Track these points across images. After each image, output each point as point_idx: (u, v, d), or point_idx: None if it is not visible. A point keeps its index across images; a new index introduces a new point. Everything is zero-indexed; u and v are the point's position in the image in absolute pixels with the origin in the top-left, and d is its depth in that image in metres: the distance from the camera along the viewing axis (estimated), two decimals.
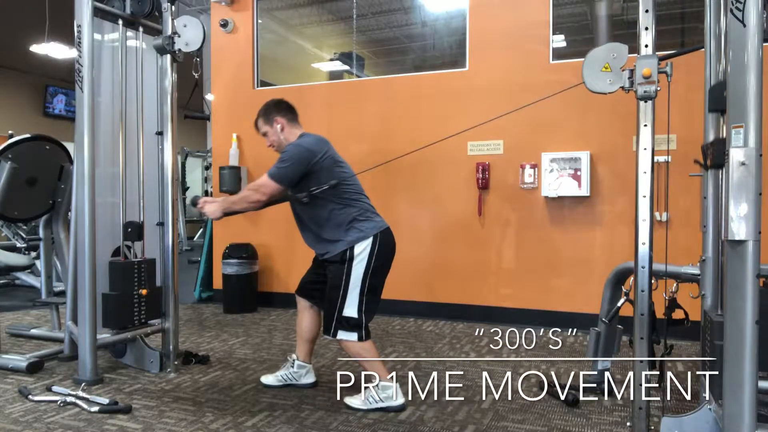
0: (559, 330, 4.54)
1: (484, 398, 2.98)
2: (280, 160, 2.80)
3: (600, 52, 2.22)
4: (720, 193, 2.21)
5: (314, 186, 2.77)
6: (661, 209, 4.09)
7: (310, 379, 3.14)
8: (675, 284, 2.63)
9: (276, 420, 2.69)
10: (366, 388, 2.87)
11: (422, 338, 4.30)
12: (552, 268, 4.66)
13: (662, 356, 2.41)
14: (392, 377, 2.82)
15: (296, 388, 3.12)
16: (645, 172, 2.13)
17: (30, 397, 2.95)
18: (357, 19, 6.63)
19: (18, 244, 6.42)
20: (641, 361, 2.16)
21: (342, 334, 2.77)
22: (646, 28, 2.13)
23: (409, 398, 2.90)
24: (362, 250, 2.75)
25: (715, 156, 1.97)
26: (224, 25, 5.73)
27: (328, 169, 2.79)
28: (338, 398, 2.94)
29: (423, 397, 2.99)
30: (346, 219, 2.78)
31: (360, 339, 2.76)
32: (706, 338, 2.24)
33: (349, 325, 2.75)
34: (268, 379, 3.17)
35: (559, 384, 3.12)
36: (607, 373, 3.07)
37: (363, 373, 2.95)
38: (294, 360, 3.14)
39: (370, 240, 2.76)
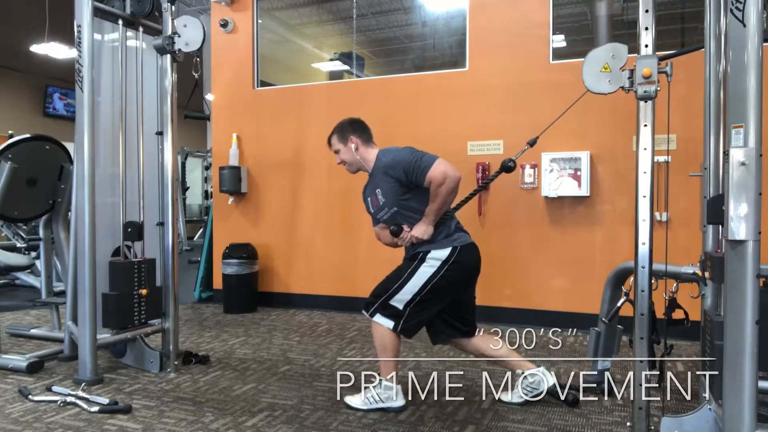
0: (559, 330, 4.53)
1: (484, 398, 2.98)
2: (413, 161, 2.69)
3: (600, 53, 2.22)
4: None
5: (420, 189, 2.74)
6: (661, 209, 4.09)
7: (549, 381, 2.85)
8: (675, 284, 2.63)
9: (276, 420, 2.69)
10: (366, 387, 2.87)
11: (422, 338, 4.27)
12: (552, 268, 4.65)
13: (662, 356, 2.41)
14: (393, 377, 2.81)
15: (296, 389, 3.12)
16: (645, 172, 2.13)
17: (30, 397, 2.95)
18: (357, 19, 6.63)
19: (18, 244, 6.42)
20: (641, 361, 2.16)
21: (379, 318, 2.73)
22: (646, 28, 2.13)
23: (409, 398, 2.90)
24: (437, 257, 2.72)
25: (714, 273, 2.02)
26: (224, 25, 5.73)
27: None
28: (338, 398, 2.94)
29: (423, 397, 2.99)
30: (438, 227, 2.76)
31: (395, 329, 2.72)
32: (706, 338, 2.24)
33: (391, 312, 2.72)
34: (509, 396, 2.92)
35: (559, 384, 3.12)
36: (607, 373, 3.07)
37: (364, 373, 2.95)
38: (522, 372, 2.88)
39: (449, 250, 2.73)
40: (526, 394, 2.85)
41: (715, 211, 1.94)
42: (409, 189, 2.75)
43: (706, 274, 2.24)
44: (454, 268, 2.73)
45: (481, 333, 2.96)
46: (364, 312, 2.81)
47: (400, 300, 2.72)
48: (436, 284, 2.72)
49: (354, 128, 2.95)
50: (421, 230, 2.73)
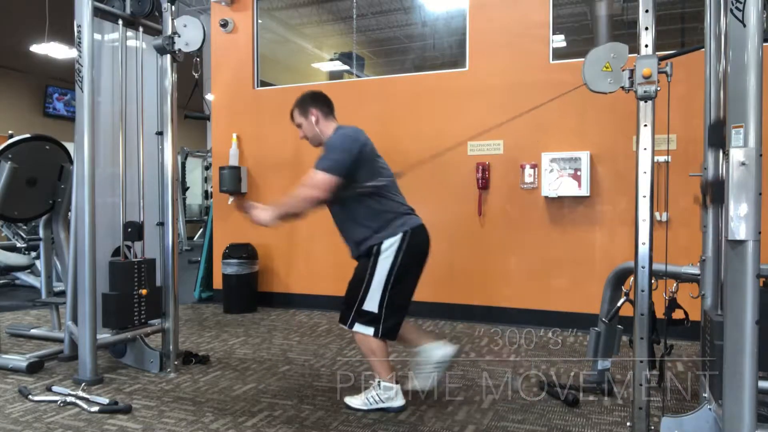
0: (559, 330, 4.55)
1: (484, 398, 2.98)
2: (328, 150, 2.71)
3: (600, 52, 2.22)
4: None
5: (364, 178, 2.70)
6: (661, 209, 4.09)
7: (447, 349, 2.85)
8: (675, 284, 2.64)
9: (276, 420, 2.69)
10: (367, 388, 2.87)
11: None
12: (552, 268, 4.66)
13: (662, 356, 2.41)
14: (394, 378, 2.81)
15: (296, 389, 3.12)
16: (645, 172, 2.13)
17: (30, 397, 2.95)
18: (357, 19, 6.63)
19: (18, 244, 6.42)
20: (641, 361, 2.16)
21: (358, 327, 2.72)
22: (646, 28, 2.13)
23: (409, 398, 2.90)
24: (389, 246, 2.70)
25: (715, 194, 1.97)
26: (224, 25, 5.74)
27: (371, 161, 2.75)
28: (338, 398, 2.94)
29: (423, 397, 2.99)
30: (381, 216, 2.73)
31: (376, 335, 2.70)
32: (706, 338, 2.24)
33: (368, 319, 2.71)
34: (420, 383, 2.89)
35: (559, 384, 3.12)
36: (607, 373, 3.08)
37: (364, 373, 2.95)
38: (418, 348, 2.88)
39: (399, 236, 2.71)
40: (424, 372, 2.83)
41: (716, 135, 1.92)
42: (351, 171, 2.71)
43: (708, 200, 2.19)
44: (409, 252, 2.72)
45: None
46: (342, 325, 2.80)
47: (372, 302, 2.71)
48: (399, 273, 2.71)
49: (314, 101, 2.93)
50: (262, 217, 2.68)
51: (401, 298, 2.76)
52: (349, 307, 2.76)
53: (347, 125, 2.89)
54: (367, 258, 2.75)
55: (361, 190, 2.71)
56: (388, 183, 2.80)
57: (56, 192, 4.18)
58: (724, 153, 1.86)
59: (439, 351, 2.83)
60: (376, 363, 2.77)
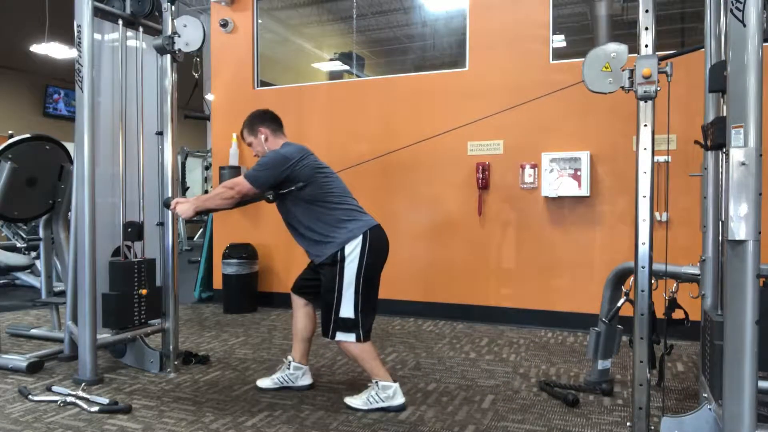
0: (559, 330, 4.54)
1: (484, 398, 2.98)
2: (258, 164, 2.85)
3: (600, 52, 2.22)
4: (720, 193, 2.21)
5: (310, 195, 2.82)
6: (661, 209, 4.09)
7: (306, 380, 3.12)
8: (675, 284, 2.64)
9: (276, 420, 2.69)
10: (366, 388, 2.88)
11: (422, 338, 4.30)
12: (552, 268, 4.66)
13: (662, 356, 2.41)
14: (388, 376, 2.82)
15: (302, 389, 3.12)
16: (645, 172, 2.13)
17: (30, 397, 2.95)
18: (357, 19, 6.63)
19: (18, 244, 6.42)
20: (641, 361, 2.16)
21: (340, 336, 2.77)
22: (646, 28, 2.13)
23: (409, 398, 2.90)
24: (353, 250, 2.75)
25: (716, 135, 1.95)
26: (224, 25, 5.73)
27: (306, 176, 2.81)
28: (338, 398, 2.95)
29: (423, 397, 3.00)
30: (333, 221, 2.79)
31: (358, 339, 2.76)
32: (706, 338, 2.24)
33: (347, 326, 2.75)
34: (264, 382, 3.14)
35: (559, 384, 3.12)
36: (607, 373, 3.08)
37: (364, 373, 2.94)
38: (290, 362, 3.12)
39: (360, 239, 2.76)
40: (281, 382, 3.10)
41: (716, 78, 1.91)
42: (284, 184, 2.81)
43: (708, 142, 2.17)
44: (372, 251, 2.77)
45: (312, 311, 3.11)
46: (325, 338, 2.83)
47: (347, 308, 2.75)
48: (366, 273, 2.76)
49: (263, 119, 3.04)
50: (184, 208, 2.87)
51: (372, 297, 2.82)
52: (327, 318, 2.80)
53: (293, 143, 2.98)
54: (332, 265, 2.78)
55: (303, 197, 2.81)
56: (336, 191, 2.87)
57: (56, 192, 4.18)
58: (724, 97, 1.84)
59: (305, 380, 3.12)
60: (369, 364, 2.80)
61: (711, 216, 2.42)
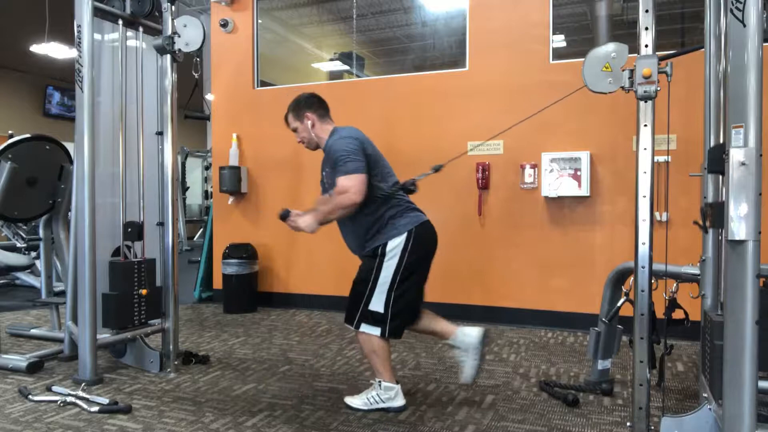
0: (559, 330, 4.54)
1: (484, 398, 2.98)
2: (340, 158, 2.65)
3: (600, 52, 2.22)
4: (720, 194, 2.22)
5: (376, 179, 2.71)
6: (661, 209, 4.09)
7: (474, 335, 2.80)
8: (675, 284, 2.64)
9: (276, 420, 2.69)
10: (368, 387, 2.87)
11: (422, 338, 4.29)
12: (552, 268, 4.65)
13: (662, 356, 2.41)
14: (392, 377, 2.81)
15: (296, 389, 3.12)
16: (645, 172, 2.13)
17: (30, 397, 2.95)
18: (357, 19, 6.63)
19: (18, 244, 6.41)
20: (641, 361, 2.16)
21: (365, 327, 2.71)
22: (646, 28, 2.13)
23: (409, 398, 2.90)
24: (395, 247, 2.69)
25: (715, 218, 1.97)
26: (224, 25, 5.73)
27: (374, 157, 2.74)
28: (338, 398, 2.94)
29: (423, 397, 2.99)
30: (385, 215, 2.72)
31: (383, 335, 2.69)
32: (706, 338, 2.24)
33: (375, 319, 2.70)
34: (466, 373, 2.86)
35: (559, 384, 3.12)
36: (607, 373, 3.08)
37: (364, 373, 2.94)
38: (452, 340, 2.84)
39: (404, 236, 2.69)
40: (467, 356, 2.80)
41: (716, 160, 1.92)
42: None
43: (707, 223, 2.20)
44: (415, 252, 2.71)
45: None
46: (348, 325, 2.78)
47: (378, 302, 2.70)
48: (404, 273, 2.70)
49: (309, 104, 2.91)
50: (306, 222, 2.70)
51: (407, 297, 2.74)
52: (354, 307, 2.75)
53: (343, 126, 2.87)
54: (372, 258, 2.73)
55: (374, 191, 2.71)
56: (390, 179, 2.81)
57: (56, 192, 4.18)
58: (723, 178, 1.86)
59: (472, 337, 2.79)
60: (378, 363, 2.76)
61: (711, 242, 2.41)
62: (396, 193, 2.77)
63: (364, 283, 2.73)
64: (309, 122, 2.87)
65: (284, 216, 2.76)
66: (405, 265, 2.69)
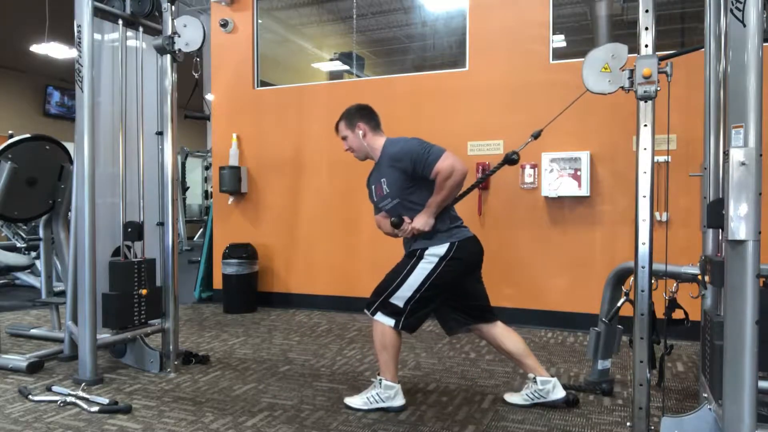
0: (559, 330, 4.54)
1: (484, 398, 2.98)
2: (421, 153, 2.67)
3: (600, 53, 2.22)
4: (720, 193, 2.21)
5: (428, 188, 2.71)
6: (661, 209, 4.09)
7: (559, 394, 2.80)
8: (675, 284, 2.64)
9: (276, 420, 2.69)
10: (368, 387, 2.87)
11: (422, 338, 4.29)
12: (552, 268, 4.65)
13: (662, 356, 2.41)
14: (394, 377, 2.81)
15: (296, 389, 3.12)
16: (645, 172, 2.13)
17: (30, 397, 2.95)
18: (357, 19, 6.63)
19: (18, 244, 6.42)
20: (641, 361, 2.16)
21: (380, 317, 2.73)
22: (646, 28, 2.13)
23: (409, 398, 2.90)
24: (433, 254, 2.71)
25: (714, 276, 2.00)
26: (224, 25, 5.74)
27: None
28: (338, 398, 2.94)
29: (423, 397, 3.00)
30: (435, 224, 2.72)
31: (396, 327, 2.71)
32: (706, 338, 2.24)
33: (392, 310, 2.72)
34: (513, 398, 2.91)
35: (566, 388, 3.12)
36: (607, 373, 3.08)
37: (364, 373, 2.94)
38: (534, 377, 2.83)
39: (446, 247, 2.71)
40: (530, 399, 2.83)
41: (715, 215, 1.93)
42: (414, 181, 2.72)
43: (706, 278, 2.23)
44: (452, 264, 2.72)
45: (503, 326, 2.89)
46: (366, 311, 2.81)
47: (400, 297, 2.71)
48: (435, 281, 2.71)
49: (362, 115, 2.94)
50: (422, 221, 2.70)
51: (431, 304, 2.76)
52: (377, 295, 2.77)
53: (395, 137, 2.90)
54: (410, 258, 2.76)
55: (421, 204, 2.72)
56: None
57: (56, 192, 4.18)
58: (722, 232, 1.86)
59: (557, 393, 2.80)
60: (385, 359, 2.77)
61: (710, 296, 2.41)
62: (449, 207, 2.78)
63: (394, 277, 2.75)
64: (361, 132, 2.91)
65: (398, 224, 2.75)
66: (439, 273, 2.70)
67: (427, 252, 2.72)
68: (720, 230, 2.17)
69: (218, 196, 5.82)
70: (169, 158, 3.52)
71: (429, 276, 2.70)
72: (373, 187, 2.90)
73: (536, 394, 2.81)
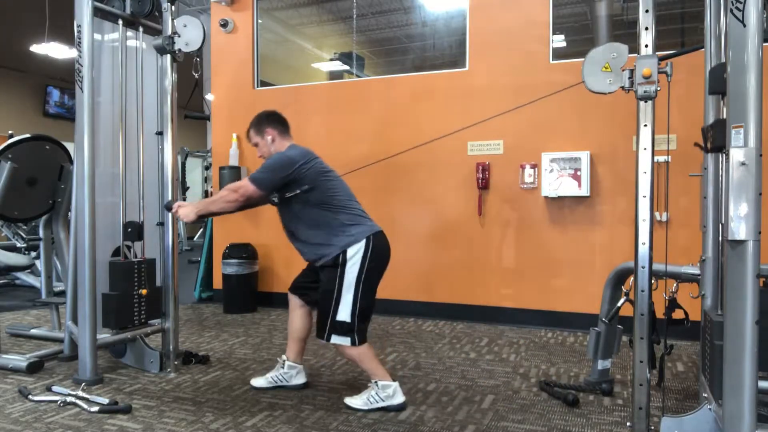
0: (559, 330, 4.54)
1: (484, 398, 2.98)
2: (263, 166, 2.83)
3: (600, 52, 2.22)
4: (720, 193, 2.21)
5: (316, 198, 2.80)
6: (661, 209, 4.09)
7: (300, 379, 3.13)
8: (675, 284, 2.64)
9: (276, 420, 2.69)
10: (366, 388, 2.88)
11: (422, 338, 4.30)
12: (552, 268, 4.66)
13: (662, 356, 2.41)
14: (387, 375, 2.82)
15: (296, 388, 3.12)
16: (645, 172, 2.13)
17: (30, 397, 2.95)
18: (357, 19, 6.63)
19: (18, 244, 6.42)
20: (641, 361, 2.16)
21: (335, 339, 2.77)
22: (646, 28, 2.13)
23: (409, 398, 2.90)
24: (355, 254, 2.75)
25: (716, 138, 1.94)
26: (224, 25, 5.73)
27: (311, 179, 2.80)
28: (338, 398, 2.95)
29: (423, 397, 3.00)
30: (337, 225, 2.78)
31: (353, 344, 2.75)
32: (706, 338, 2.24)
33: (343, 329, 2.75)
34: (258, 381, 3.14)
35: (559, 384, 3.12)
36: (607, 373, 3.08)
37: (364, 373, 2.94)
38: (284, 361, 3.13)
39: (363, 243, 2.76)
40: (274, 382, 3.12)
41: (717, 80, 1.91)
42: (299, 183, 2.79)
43: (708, 145, 2.16)
44: (375, 257, 2.77)
45: (309, 310, 3.11)
46: (318, 339, 2.82)
47: (344, 312, 2.74)
48: (366, 278, 2.76)
49: (270, 121, 3.01)
50: (186, 211, 2.85)
51: (369, 303, 2.81)
52: (323, 319, 2.80)
53: (299, 146, 2.96)
54: (333, 267, 2.78)
55: (307, 201, 2.80)
56: (341, 195, 2.86)
57: (56, 192, 4.17)
58: (723, 99, 1.83)
59: (299, 379, 3.15)
60: (367, 365, 2.81)
61: (711, 216, 2.41)
62: (348, 204, 2.85)
63: (330, 293, 2.77)
64: (269, 137, 2.99)
65: (168, 206, 2.98)
66: (366, 270, 2.76)
67: (347, 255, 2.75)
68: (720, 228, 2.17)
69: None
70: (169, 158, 3.52)
71: (359, 276, 2.75)
72: None
73: (280, 377, 3.11)
